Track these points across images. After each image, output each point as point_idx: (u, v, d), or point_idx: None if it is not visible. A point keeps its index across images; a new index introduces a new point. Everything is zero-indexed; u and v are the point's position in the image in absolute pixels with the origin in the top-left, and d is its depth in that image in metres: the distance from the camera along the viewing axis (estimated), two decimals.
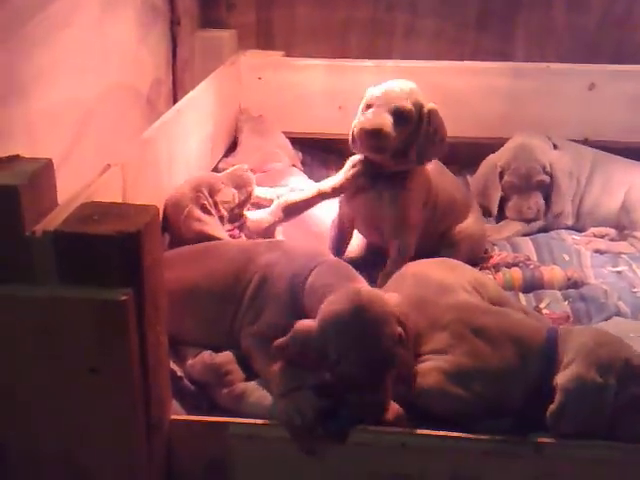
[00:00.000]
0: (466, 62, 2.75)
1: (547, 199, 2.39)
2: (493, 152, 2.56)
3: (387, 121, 1.86)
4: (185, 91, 2.47)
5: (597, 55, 2.74)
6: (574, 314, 1.90)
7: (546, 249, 2.26)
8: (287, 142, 2.65)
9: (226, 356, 1.57)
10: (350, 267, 1.57)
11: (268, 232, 2.04)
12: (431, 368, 1.44)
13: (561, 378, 1.37)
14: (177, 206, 1.93)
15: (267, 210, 2.08)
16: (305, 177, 2.45)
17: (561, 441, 1.36)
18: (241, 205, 2.05)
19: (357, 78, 2.62)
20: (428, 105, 1.95)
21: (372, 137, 1.86)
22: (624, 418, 1.35)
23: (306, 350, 1.38)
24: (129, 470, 1.33)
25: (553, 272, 2.09)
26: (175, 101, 2.56)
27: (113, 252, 1.20)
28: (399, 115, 1.88)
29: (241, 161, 2.45)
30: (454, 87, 2.67)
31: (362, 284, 1.51)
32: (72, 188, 1.45)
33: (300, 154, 2.70)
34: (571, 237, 2.34)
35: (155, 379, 1.33)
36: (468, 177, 2.70)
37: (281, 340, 1.41)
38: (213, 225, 1.94)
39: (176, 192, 1.95)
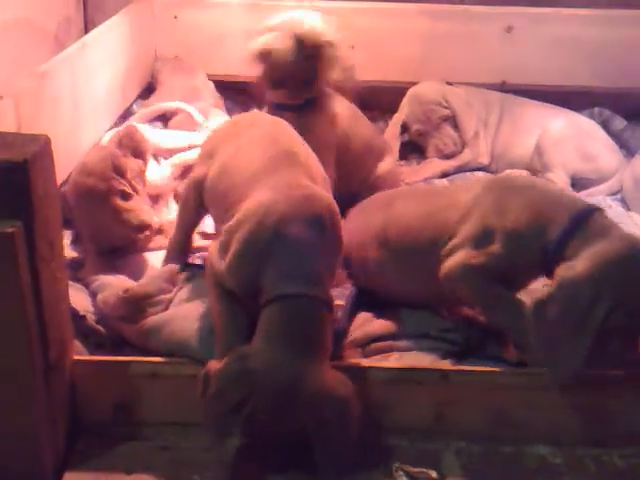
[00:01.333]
0: (385, 2, 2.72)
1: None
2: None
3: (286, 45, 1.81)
4: None
5: None
6: None
7: None
8: (210, 82, 2.58)
9: (142, 288, 1.54)
10: None
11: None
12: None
13: (562, 269, 1.35)
14: (92, 201, 1.72)
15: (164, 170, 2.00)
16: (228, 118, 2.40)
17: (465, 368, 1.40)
18: (143, 172, 1.89)
19: (277, 13, 2.56)
20: (331, 37, 1.89)
21: (270, 56, 1.81)
22: (609, 341, 1.34)
23: None
24: (29, 414, 1.29)
25: None
26: None
27: None
28: (299, 42, 1.82)
29: (162, 100, 2.39)
30: (373, 29, 2.65)
31: None
32: None
33: (221, 97, 2.64)
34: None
35: (52, 317, 1.29)
36: (389, 121, 2.70)
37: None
38: (144, 210, 1.80)
39: (83, 185, 1.72)
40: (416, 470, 1.33)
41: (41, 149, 1.20)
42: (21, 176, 1.15)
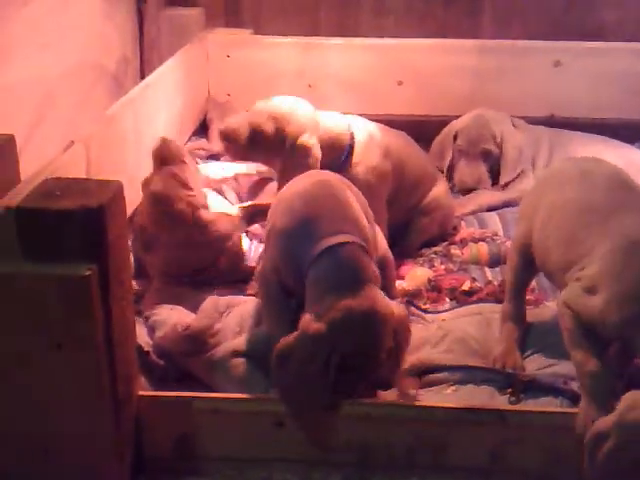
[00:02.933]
0: (433, 39, 2.77)
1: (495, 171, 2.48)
2: None
3: (242, 129, 1.87)
4: (153, 70, 2.45)
5: (562, 33, 2.77)
6: (539, 287, 1.94)
7: (512, 224, 2.29)
8: None
9: (200, 323, 1.58)
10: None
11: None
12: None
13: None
14: (178, 222, 1.76)
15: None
16: None
17: (523, 409, 1.41)
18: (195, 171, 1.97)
19: (326, 56, 2.63)
20: (301, 139, 1.86)
21: (221, 137, 1.91)
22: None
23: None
24: (98, 447, 1.33)
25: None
26: (143, 80, 2.54)
27: (76, 227, 1.20)
28: (253, 134, 1.88)
29: (212, 141, 2.47)
30: (421, 64, 2.69)
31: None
32: (35, 167, 1.45)
33: None
34: None
35: (121, 354, 1.33)
36: None
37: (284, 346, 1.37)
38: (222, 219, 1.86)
39: (167, 211, 1.77)
40: None
41: (114, 194, 1.26)
42: (97, 221, 1.21)
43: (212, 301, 1.68)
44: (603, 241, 1.41)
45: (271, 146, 1.88)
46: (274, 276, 1.51)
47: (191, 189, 1.83)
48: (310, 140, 1.87)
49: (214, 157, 2.50)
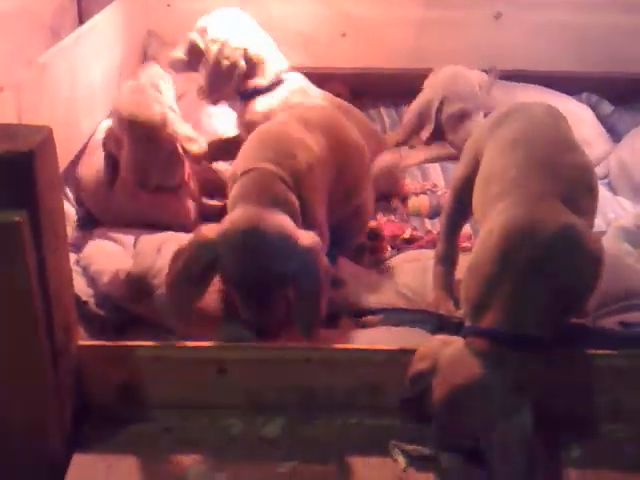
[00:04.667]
0: None
1: None
2: (404, 83, 2.59)
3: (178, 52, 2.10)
4: None
5: None
6: (475, 234, 1.98)
7: (453, 175, 2.32)
8: None
9: (140, 266, 1.59)
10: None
11: None
12: None
13: None
14: (152, 132, 1.79)
15: None
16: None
17: None
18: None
19: (268, 6, 2.59)
20: (212, 35, 2.06)
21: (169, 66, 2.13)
22: None
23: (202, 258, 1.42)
24: (37, 398, 1.33)
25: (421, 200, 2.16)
26: None
27: (3, 172, 1.17)
28: (190, 52, 2.10)
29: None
30: (365, 16, 2.67)
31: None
32: None
33: None
34: None
35: (58, 304, 1.32)
36: (382, 109, 2.74)
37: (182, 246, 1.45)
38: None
39: (140, 118, 1.79)
40: (411, 447, 1.38)
41: (44, 139, 1.23)
42: (26, 166, 1.18)
43: (146, 240, 1.68)
44: (502, 203, 1.38)
45: (201, 55, 2.06)
46: None
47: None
48: (226, 36, 2.04)
49: None
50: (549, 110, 1.57)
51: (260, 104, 2.08)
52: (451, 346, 1.32)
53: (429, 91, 2.44)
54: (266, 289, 1.42)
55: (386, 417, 1.43)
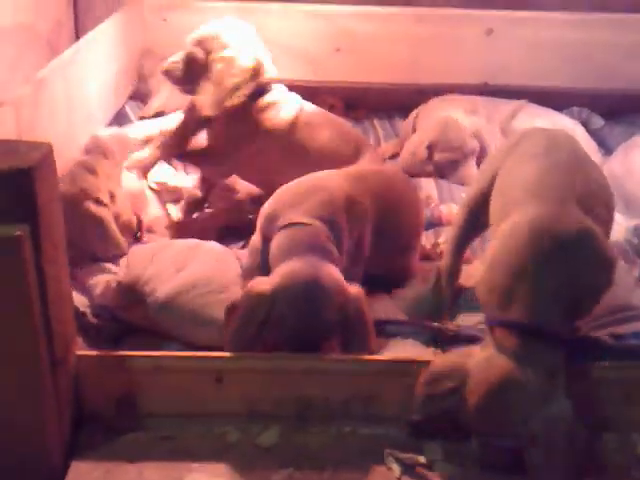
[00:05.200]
0: (371, 7, 2.79)
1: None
2: (398, 97, 2.64)
3: (179, 62, 2.01)
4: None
5: (495, 1, 2.82)
6: (470, 250, 2.01)
7: (446, 188, 2.36)
8: None
9: (130, 274, 1.61)
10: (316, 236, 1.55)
11: (146, 169, 2.02)
12: None
13: None
14: (67, 205, 1.64)
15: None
16: None
17: None
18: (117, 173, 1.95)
19: (264, 21, 2.62)
20: (221, 53, 1.98)
21: (162, 74, 2.05)
22: None
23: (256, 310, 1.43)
24: (36, 408, 1.34)
25: (451, 210, 2.19)
26: None
27: (5, 188, 1.19)
28: (187, 62, 2.01)
29: (169, 101, 2.47)
30: (359, 32, 2.71)
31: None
32: None
33: None
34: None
35: (57, 314, 1.34)
36: (375, 121, 2.79)
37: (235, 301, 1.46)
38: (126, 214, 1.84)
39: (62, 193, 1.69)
40: (405, 456, 1.40)
41: (44, 156, 1.26)
42: (27, 182, 1.20)
43: (136, 251, 1.71)
44: (514, 214, 1.41)
45: (203, 70, 1.98)
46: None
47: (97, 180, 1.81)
48: (234, 54, 1.96)
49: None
50: (566, 133, 1.65)
51: (281, 112, 2.04)
52: (476, 355, 1.32)
53: (421, 134, 2.47)
54: (321, 339, 1.44)
55: (381, 426, 1.44)
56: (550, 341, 1.29)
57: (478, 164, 2.40)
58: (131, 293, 1.58)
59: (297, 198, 1.59)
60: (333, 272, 1.45)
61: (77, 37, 2.62)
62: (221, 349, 1.47)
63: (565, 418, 1.27)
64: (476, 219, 1.63)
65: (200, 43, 2.00)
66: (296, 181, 1.68)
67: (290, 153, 2.02)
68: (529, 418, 1.27)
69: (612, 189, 2.21)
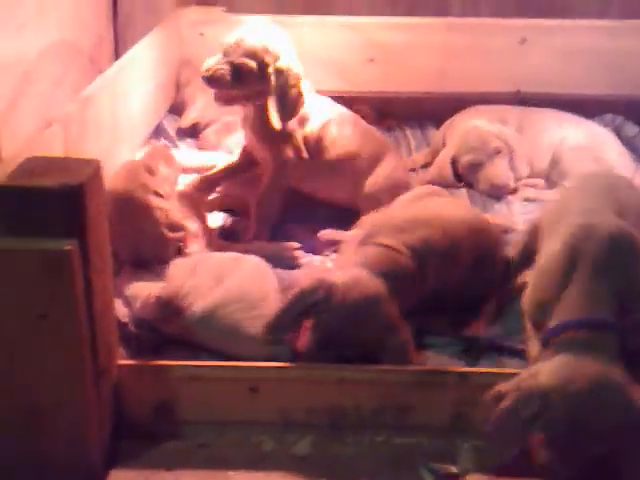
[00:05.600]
0: (403, 17, 2.83)
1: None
2: (429, 106, 2.66)
3: (224, 69, 1.93)
4: (127, 49, 2.47)
5: (528, 11, 2.83)
6: None
7: (478, 198, 2.37)
8: None
9: (169, 287, 1.65)
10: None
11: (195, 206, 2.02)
12: None
13: None
14: (124, 201, 1.77)
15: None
16: None
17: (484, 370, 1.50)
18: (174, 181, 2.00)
19: (299, 33, 2.64)
20: (279, 63, 1.95)
21: (206, 82, 1.95)
22: None
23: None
24: (80, 415, 1.39)
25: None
26: (117, 59, 2.56)
27: (57, 204, 1.25)
28: (235, 70, 1.93)
29: (205, 112, 2.52)
30: (392, 42, 2.75)
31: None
32: (14, 147, 1.49)
33: None
34: None
35: (102, 324, 1.39)
36: (407, 130, 2.80)
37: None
38: (176, 211, 1.87)
39: (114, 189, 1.76)
40: (438, 466, 1.42)
41: (93, 172, 1.32)
42: (77, 198, 1.27)
43: (177, 265, 1.74)
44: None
45: (254, 79, 1.94)
46: None
47: (154, 178, 1.86)
48: (288, 63, 1.96)
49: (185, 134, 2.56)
50: (623, 177, 1.78)
51: (313, 121, 2.06)
52: (540, 369, 1.31)
53: (447, 149, 2.48)
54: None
55: (414, 436, 1.47)
56: (614, 331, 1.32)
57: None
58: (169, 307, 1.61)
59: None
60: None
61: (117, 52, 2.68)
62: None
63: None
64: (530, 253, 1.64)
65: (250, 54, 1.94)
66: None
67: (313, 162, 2.07)
68: (623, 418, 1.24)
69: None
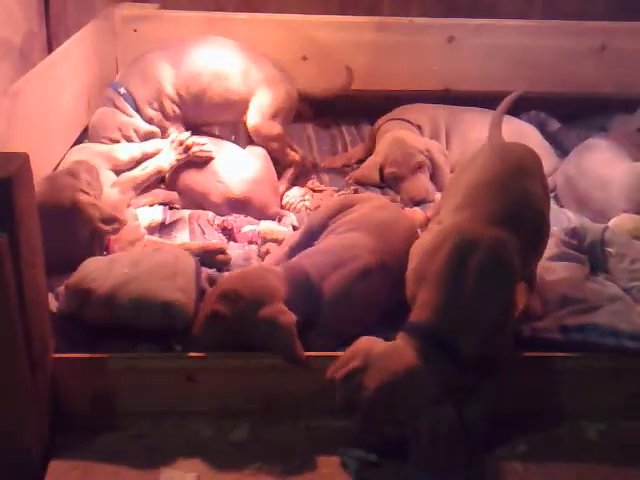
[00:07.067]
0: (335, 16, 2.88)
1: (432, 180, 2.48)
2: (363, 103, 2.74)
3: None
4: (60, 45, 2.45)
5: (456, 11, 2.93)
6: None
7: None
8: None
9: (75, 276, 1.65)
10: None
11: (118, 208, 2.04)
12: None
13: None
14: (54, 202, 1.77)
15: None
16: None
17: None
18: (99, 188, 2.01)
19: (232, 30, 2.69)
20: None
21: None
22: None
23: None
24: (16, 408, 1.39)
25: (414, 213, 2.28)
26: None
27: None
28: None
29: None
30: (324, 40, 2.80)
31: None
32: None
33: None
34: None
35: (35, 317, 1.40)
36: (343, 128, 2.88)
37: None
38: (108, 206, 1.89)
39: (40, 194, 1.67)
40: (358, 454, 1.46)
41: (21, 166, 1.32)
42: (5, 191, 1.27)
43: (91, 259, 1.74)
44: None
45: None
46: None
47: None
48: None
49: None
50: (523, 146, 1.77)
51: None
52: (381, 344, 1.43)
53: (374, 157, 2.55)
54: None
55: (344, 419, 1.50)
56: (451, 355, 1.39)
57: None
58: (77, 292, 1.61)
59: None
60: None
61: (50, 48, 2.65)
62: (166, 331, 1.56)
63: (449, 423, 1.38)
64: None
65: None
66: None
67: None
68: (419, 413, 1.37)
69: (568, 190, 2.38)
